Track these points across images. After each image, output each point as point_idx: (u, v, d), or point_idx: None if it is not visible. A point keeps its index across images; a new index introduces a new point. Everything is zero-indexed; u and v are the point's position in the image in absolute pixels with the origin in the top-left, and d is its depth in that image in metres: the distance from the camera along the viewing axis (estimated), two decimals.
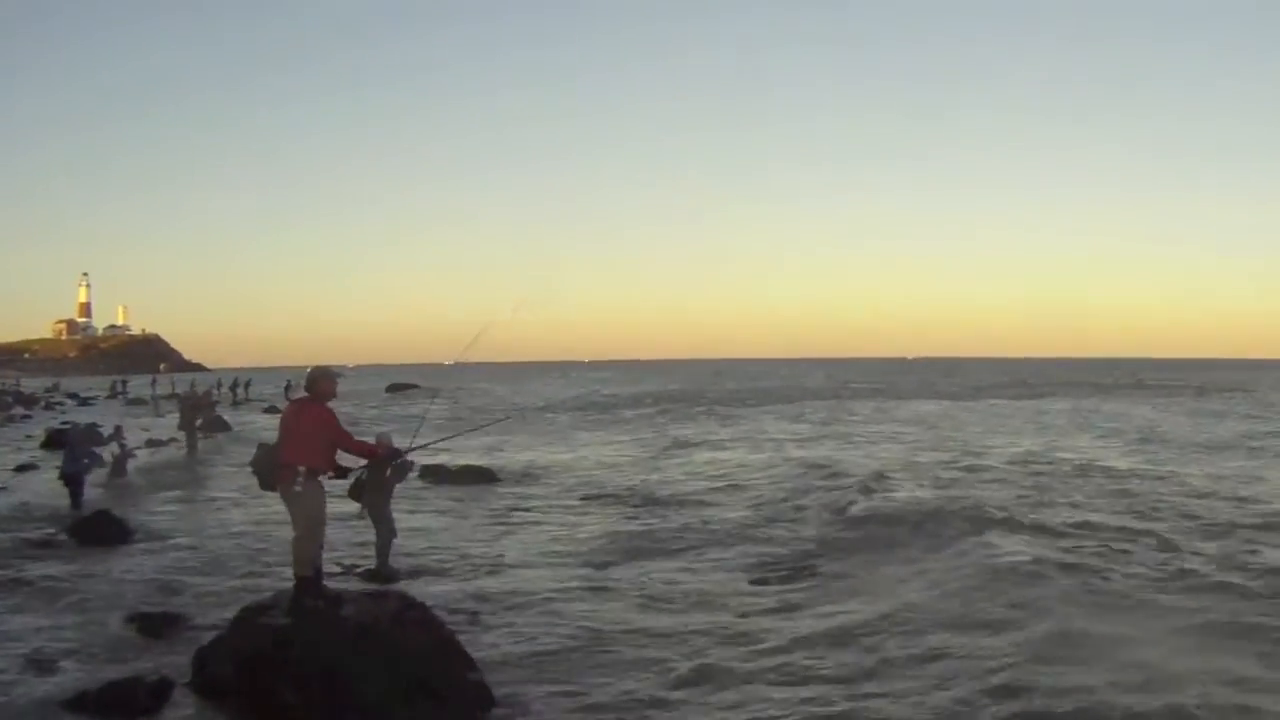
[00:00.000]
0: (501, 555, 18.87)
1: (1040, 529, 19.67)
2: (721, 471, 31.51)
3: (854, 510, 22.12)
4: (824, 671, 11.84)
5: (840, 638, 13.11)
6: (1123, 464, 31.57)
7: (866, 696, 10.86)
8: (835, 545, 19.29)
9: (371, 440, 15.86)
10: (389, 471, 16.33)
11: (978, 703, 10.36)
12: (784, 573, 17.30)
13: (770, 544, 19.77)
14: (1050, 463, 31.51)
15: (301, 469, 11.31)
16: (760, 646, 12.87)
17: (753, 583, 16.69)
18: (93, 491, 24.65)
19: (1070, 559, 16.84)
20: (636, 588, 16.26)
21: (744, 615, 14.58)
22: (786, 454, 36.29)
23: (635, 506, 25.17)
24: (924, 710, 10.32)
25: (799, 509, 23.12)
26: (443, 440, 17.22)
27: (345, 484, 14.42)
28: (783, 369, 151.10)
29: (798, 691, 11.10)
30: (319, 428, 11.52)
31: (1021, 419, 54.53)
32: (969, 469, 30.06)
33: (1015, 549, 17.19)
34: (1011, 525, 19.72)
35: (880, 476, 27.05)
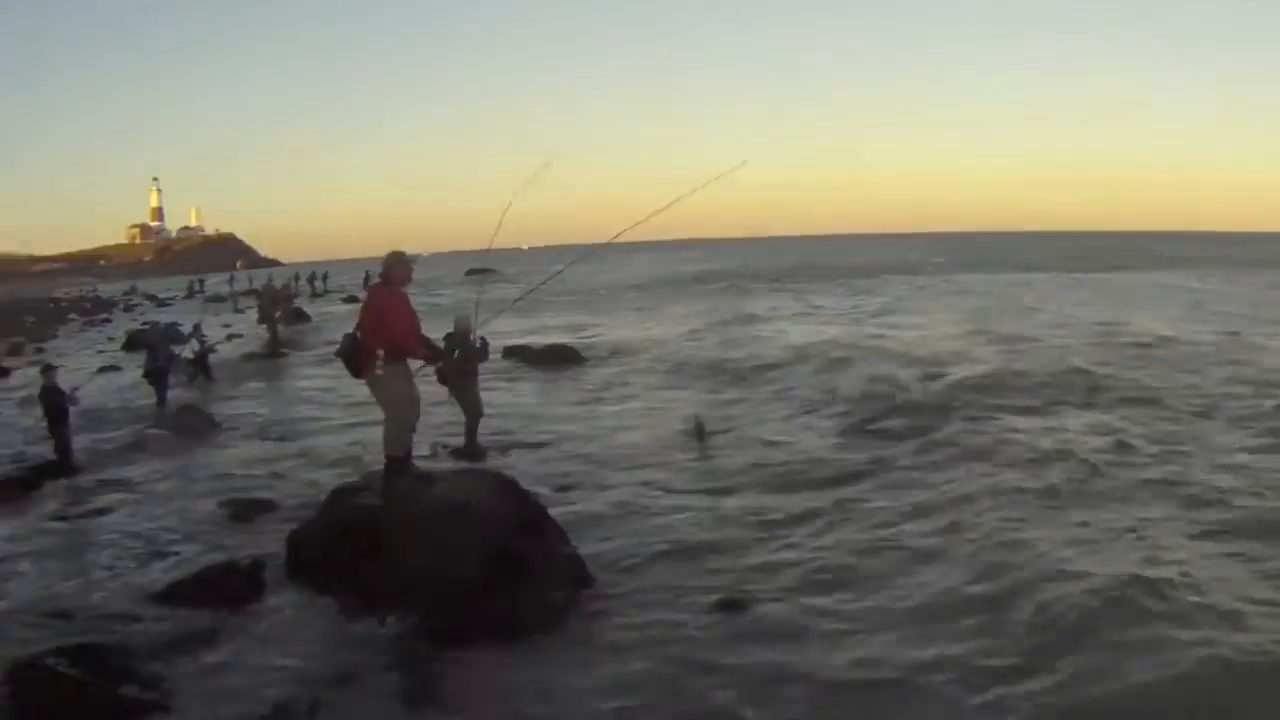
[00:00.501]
0: (591, 431, 19.08)
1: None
2: (806, 343, 31.16)
3: (941, 382, 21.81)
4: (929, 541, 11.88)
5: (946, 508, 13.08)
6: None
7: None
8: (931, 411, 19.04)
9: (450, 325, 16.42)
10: (457, 355, 16.81)
11: None
12: (876, 438, 17.18)
13: (860, 411, 19.56)
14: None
15: (381, 353, 11.46)
16: (858, 518, 12.92)
17: (845, 447, 16.68)
18: (176, 389, 25.22)
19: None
20: (729, 459, 16.35)
21: (840, 482, 14.61)
22: (869, 328, 35.86)
23: (721, 379, 25.20)
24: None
25: (886, 380, 22.68)
26: (513, 305, 17.21)
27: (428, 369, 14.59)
28: (868, 245, 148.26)
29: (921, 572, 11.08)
30: (395, 312, 11.64)
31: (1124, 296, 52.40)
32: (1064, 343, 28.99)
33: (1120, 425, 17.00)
34: (1121, 399, 19.34)
35: (961, 351, 26.63)
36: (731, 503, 13.81)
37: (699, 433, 18.15)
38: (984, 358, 25.38)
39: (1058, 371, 22.22)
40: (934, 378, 22.18)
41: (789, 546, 11.88)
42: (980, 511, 12.39)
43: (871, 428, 17.93)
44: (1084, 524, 11.73)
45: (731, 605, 10.10)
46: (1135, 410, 18.30)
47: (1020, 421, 17.53)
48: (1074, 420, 17.59)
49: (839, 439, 17.34)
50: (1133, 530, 11.42)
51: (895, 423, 18.05)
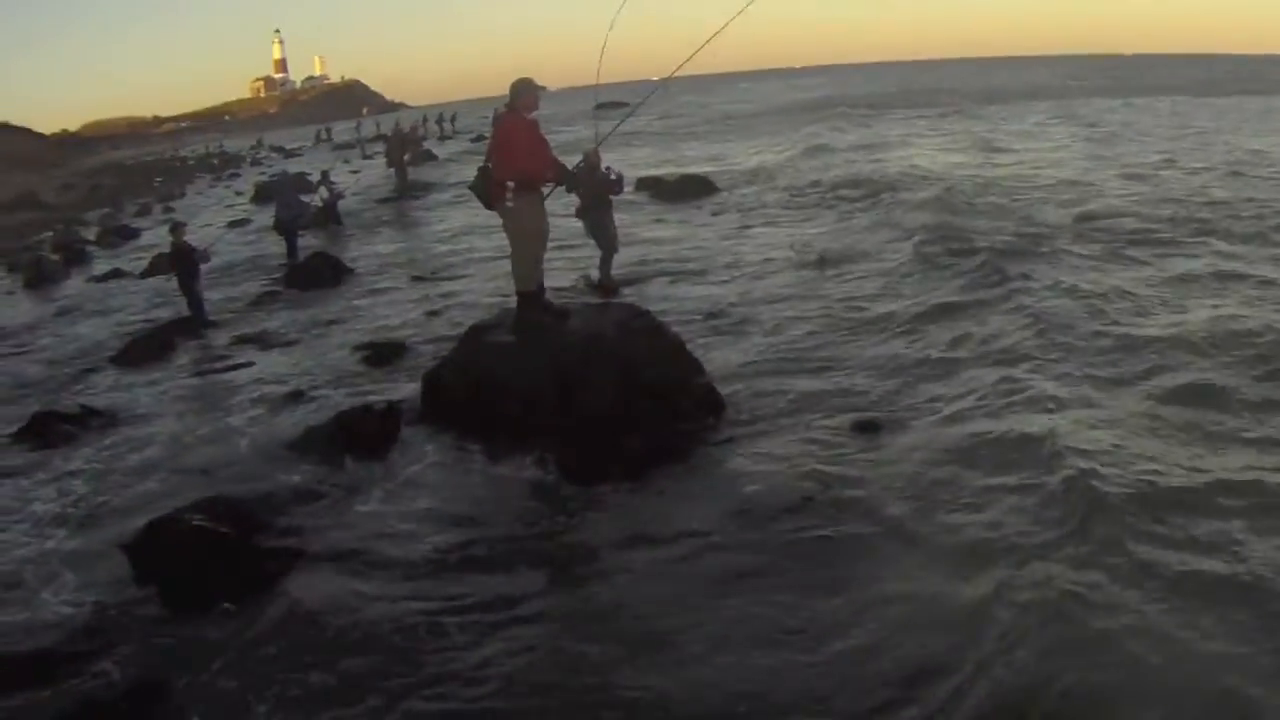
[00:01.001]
0: (726, 260, 18.76)
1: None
2: (933, 167, 30.11)
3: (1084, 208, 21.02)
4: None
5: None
6: None
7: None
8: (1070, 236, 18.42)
9: (579, 157, 16.06)
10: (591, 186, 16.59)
11: None
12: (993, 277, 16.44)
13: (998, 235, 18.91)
14: None
15: (511, 184, 11.30)
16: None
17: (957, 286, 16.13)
18: (307, 238, 25.50)
19: None
20: (863, 288, 15.99)
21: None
22: (1006, 154, 34.67)
23: (855, 203, 24.58)
24: None
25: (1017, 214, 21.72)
26: (615, 130, 16.86)
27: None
28: (1002, 69, 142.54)
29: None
30: (522, 140, 11.45)
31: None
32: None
33: None
34: None
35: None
36: (862, 335, 13.52)
37: (822, 263, 17.95)
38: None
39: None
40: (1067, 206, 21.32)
41: (921, 377, 11.60)
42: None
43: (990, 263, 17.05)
44: None
45: (866, 426, 10.09)
46: None
47: None
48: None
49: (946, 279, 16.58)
50: None
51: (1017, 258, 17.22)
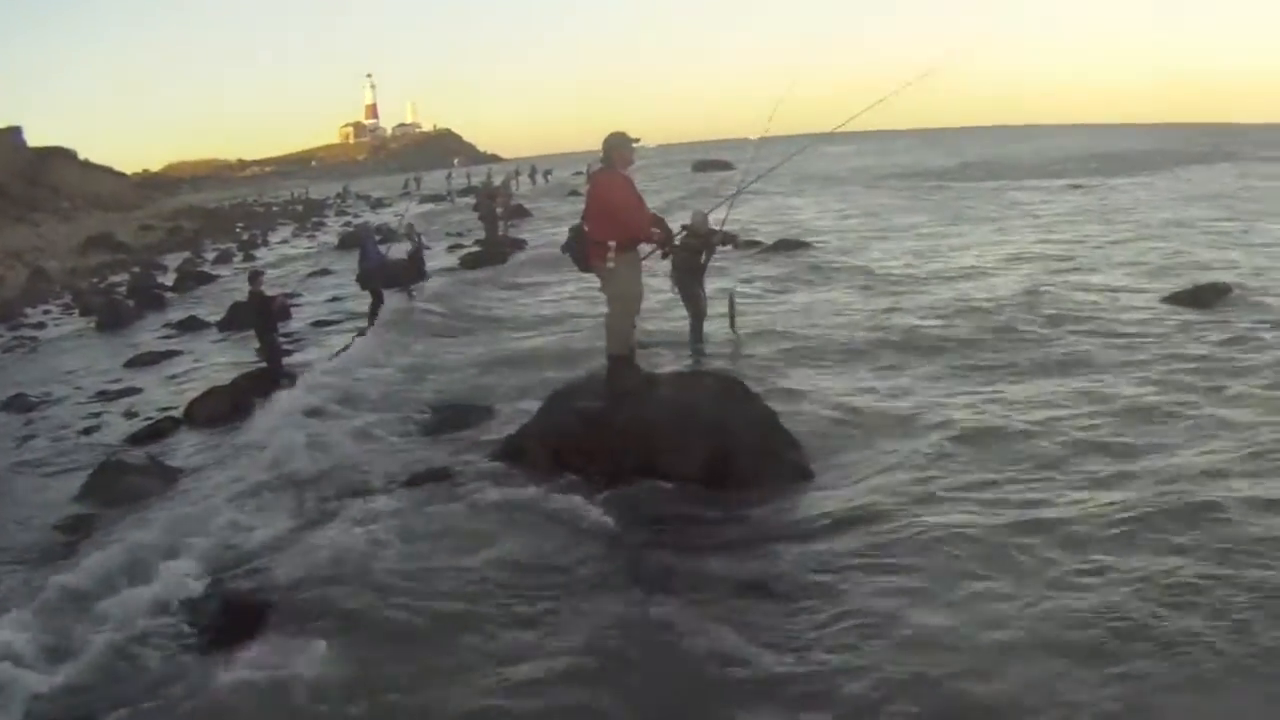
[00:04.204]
0: (821, 334, 18.61)
1: None
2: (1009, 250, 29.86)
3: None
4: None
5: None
6: None
7: None
8: None
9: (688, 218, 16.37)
10: (701, 253, 17.41)
11: None
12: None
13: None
14: None
15: (612, 244, 11.44)
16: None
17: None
18: (393, 290, 25.90)
19: None
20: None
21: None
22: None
23: (958, 282, 24.16)
24: None
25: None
26: (725, 201, 17.12)
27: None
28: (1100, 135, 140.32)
29: None
30: (621, 198, 11.60)
31: None
32: None
33: None
34: None
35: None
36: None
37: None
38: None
39: None
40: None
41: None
42: None
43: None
44: None
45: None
46: None
47: None
48: None
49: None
50: None
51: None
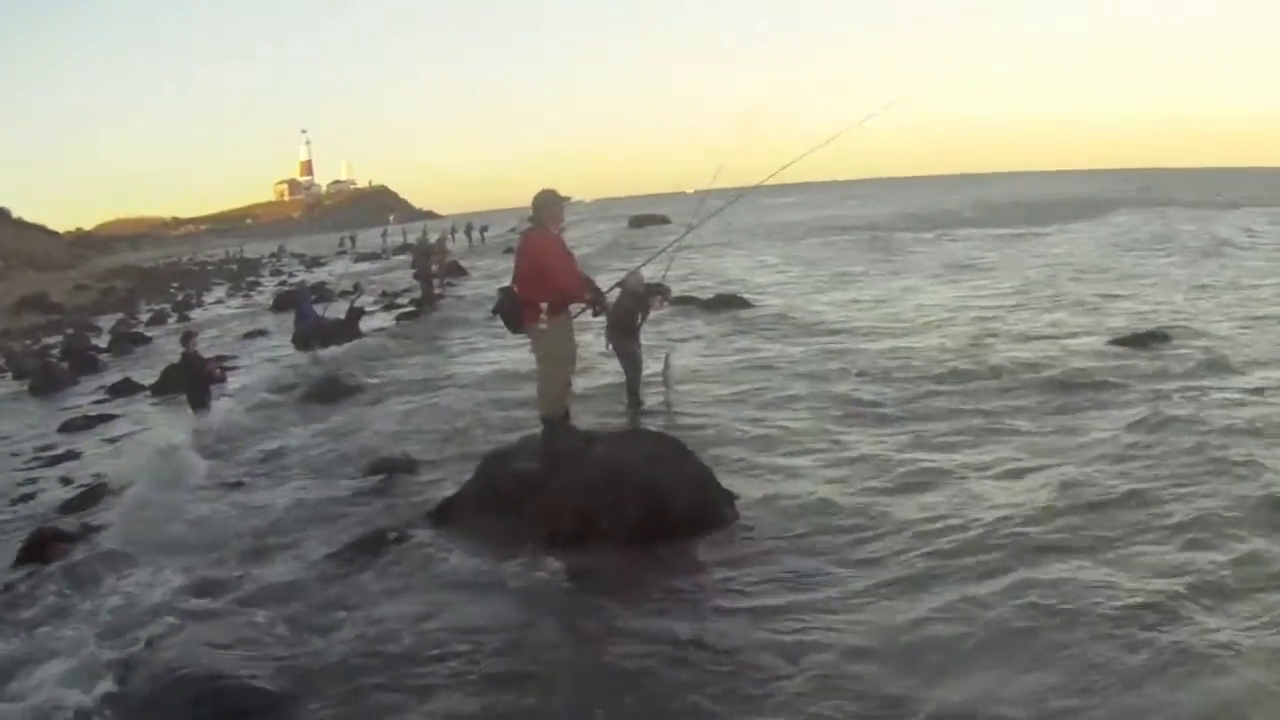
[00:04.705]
0: (757, 389, 18.78)
1: None
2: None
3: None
4: None
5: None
6: None
7: None
8: None
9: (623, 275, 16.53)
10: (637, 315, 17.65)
11: None
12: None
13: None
14: None
15: (544, 305, 11.53)
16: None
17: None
18: (328, 350, 25.92)
19: None
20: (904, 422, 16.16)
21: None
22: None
23: (897, 337, 24.33)
24: None
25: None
26: (660, 254, 17.38)
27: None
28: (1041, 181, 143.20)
29: None
30: (553, 258, 11.69)
31: None
32: None
33: None
34: None
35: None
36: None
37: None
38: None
39: None
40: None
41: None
42: None
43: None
44: None
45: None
46: None
47: None
48: None
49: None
50: None
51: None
